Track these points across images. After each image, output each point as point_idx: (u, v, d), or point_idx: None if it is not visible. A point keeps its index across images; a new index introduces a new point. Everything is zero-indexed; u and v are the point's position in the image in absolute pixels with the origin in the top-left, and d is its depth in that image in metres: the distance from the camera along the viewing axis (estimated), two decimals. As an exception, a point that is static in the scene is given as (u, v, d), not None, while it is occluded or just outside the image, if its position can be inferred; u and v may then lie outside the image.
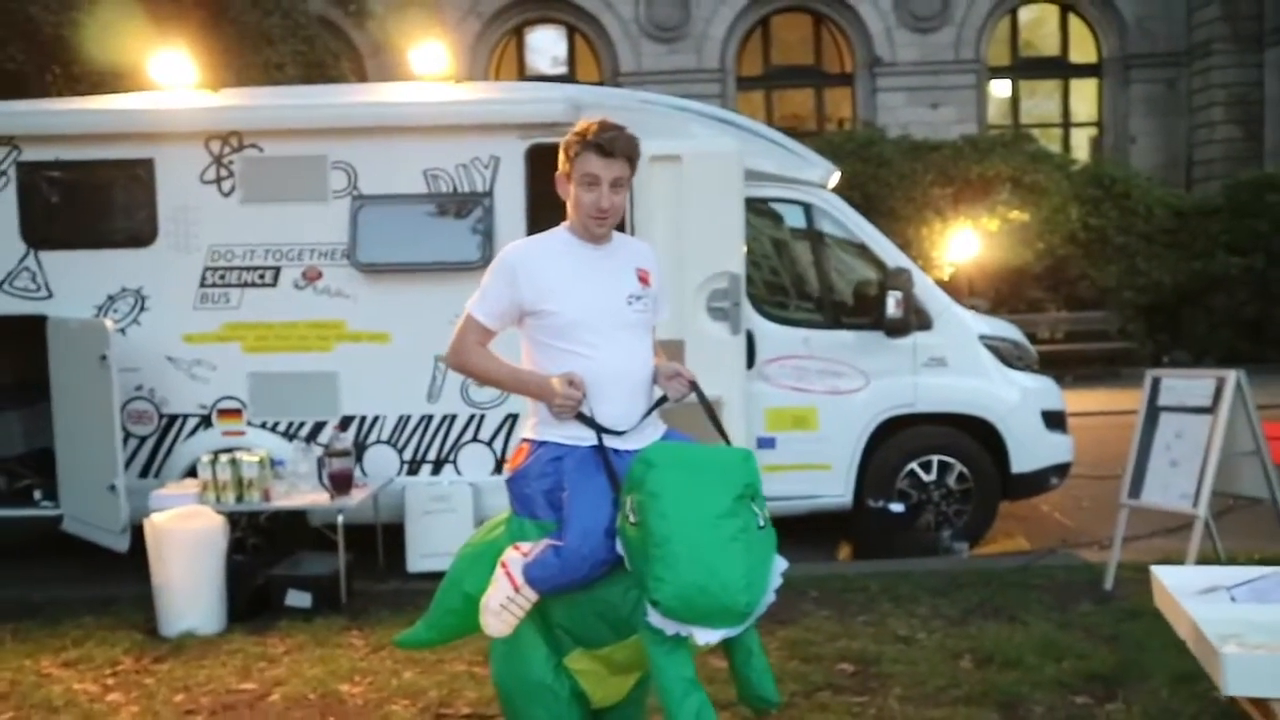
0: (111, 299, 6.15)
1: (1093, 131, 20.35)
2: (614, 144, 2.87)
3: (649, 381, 3.00)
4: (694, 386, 2.94)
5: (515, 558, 2.80)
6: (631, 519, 2.59)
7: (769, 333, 6.28)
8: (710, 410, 2.96)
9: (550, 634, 2.88)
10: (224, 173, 6.10)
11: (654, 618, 2.54)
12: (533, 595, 2.78)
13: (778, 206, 6.57)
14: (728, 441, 2.92)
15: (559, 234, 3.01)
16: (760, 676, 2.81)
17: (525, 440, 2.98)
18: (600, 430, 2.85)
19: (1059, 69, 20.34)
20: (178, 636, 4.98)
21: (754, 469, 2.67)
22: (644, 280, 3.04)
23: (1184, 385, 5.41)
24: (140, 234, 6.18)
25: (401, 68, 7.22)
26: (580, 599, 2.79)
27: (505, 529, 3.00)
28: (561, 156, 2.96)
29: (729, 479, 2.60)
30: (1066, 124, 20.42)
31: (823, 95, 20.35)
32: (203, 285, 6.13)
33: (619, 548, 2.67)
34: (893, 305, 6.13)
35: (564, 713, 2.88)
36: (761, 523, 2.60)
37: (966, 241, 14.68)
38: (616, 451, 2.86)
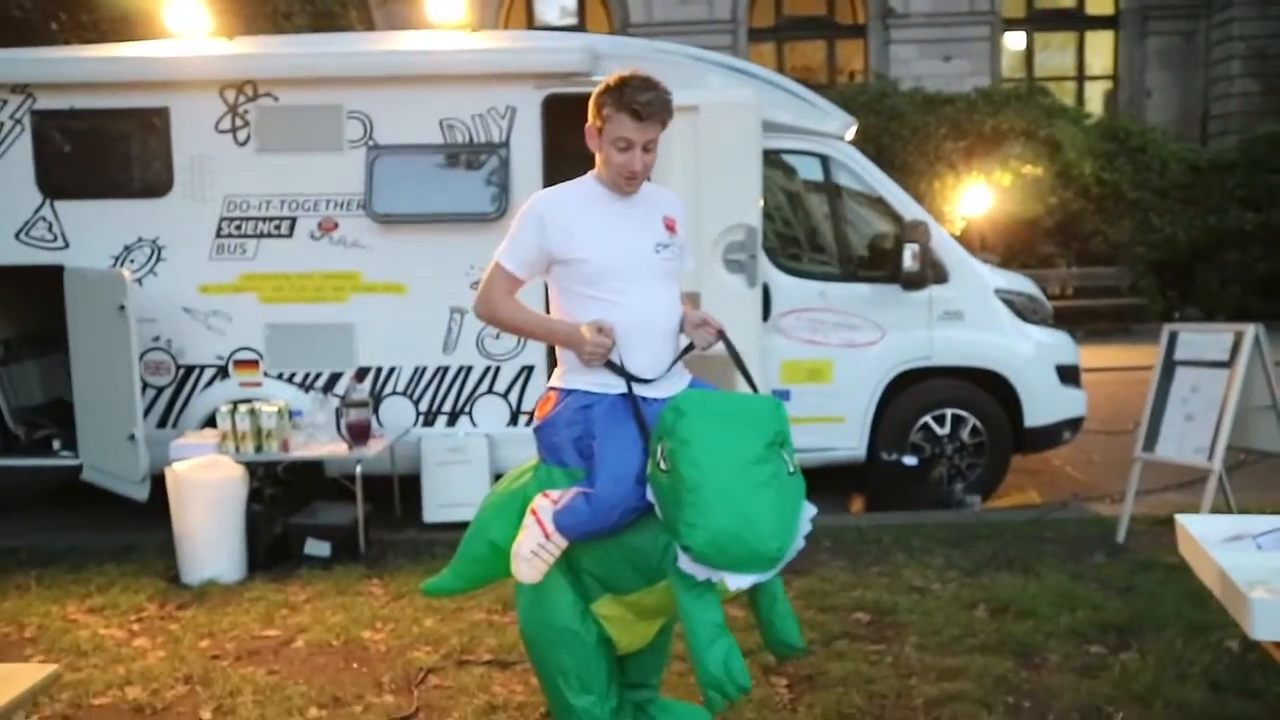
0: (128, 249, 6.16)
1: (1108, 85, 20.13)
2: (649, 108, 2.83)
3: (676, 330, 3.01)
4: (722, 335, 2.96)
5: (545, 505, 2.83)
6: (663, 466, 2.59)
7: (785, 285, 6.27)
8: (738, 359, 2.97)
9: (578, 580, 2.91)
10: (239, 122, 6.08)
11: (685, 563, 2.55)
12: (562, 542, 2.80)
13: (795, 158, 6.53)
14: (755, 390, 2.93)
15: (587, 183, 3.00)
16: (785, 622, 2.84)
17: (553, 389, 2.99)
18: (629, 378, 2.86)
19: (1075, 20, 20.08)
20: (200, 584, 5.04)
21: (783, 416, 2.68)
22: (670, 229, 3.04)
23: (1201, 339, 5.41)
24: (156, 184, 6.17)
25: (411, 17, 7.18)
26: (609, 545, 2.82)
27: (532, 477, 3.03)
28: (593, 109, 2.92)
29: (760, 426, 2.61)
30: (1081, 77, 20.19)
31: (835, 47, 20.14)
32: (219, 236, 6.13)
33: (649, 495, 2.69)
34: (909, 258, 6.11)
35: (590, 658, 2.91)
36: (791, 469, 2.62)
37: (979, 195, 14.60)
38: (645, 399, 2.88)
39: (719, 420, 2.60)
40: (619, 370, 2.86)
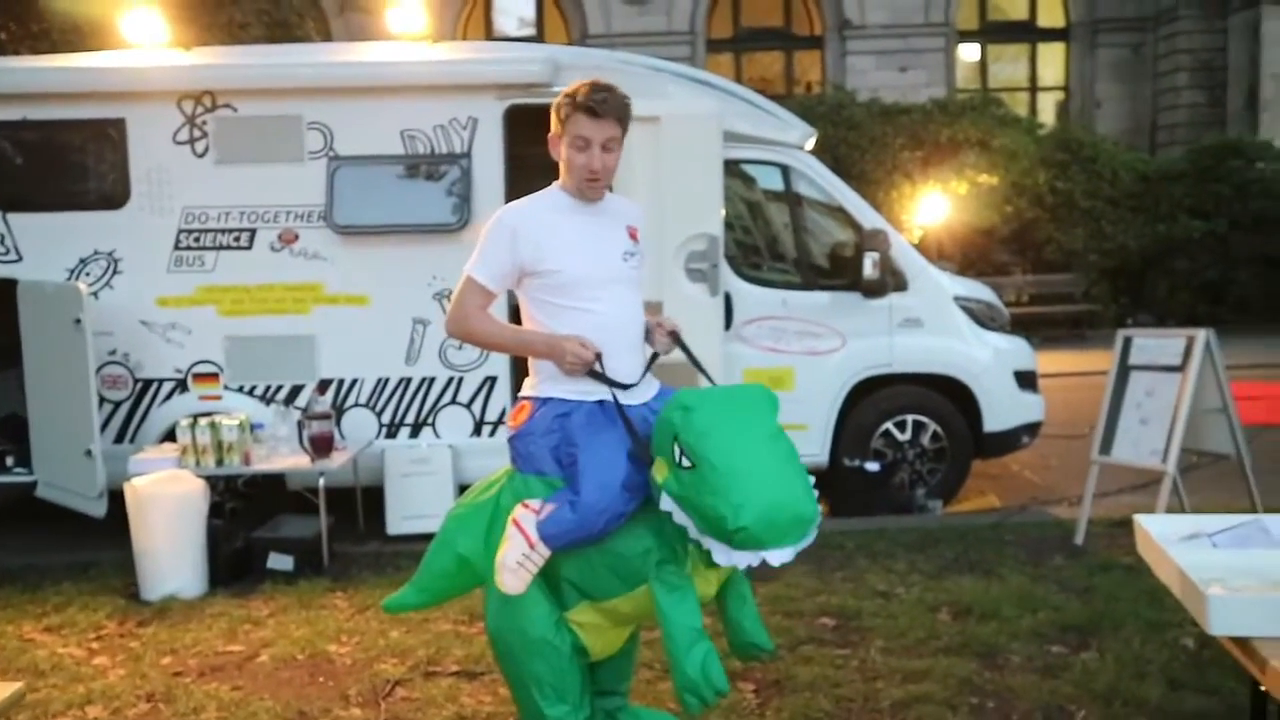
0: (83, 262, 6.08)
1: (1059, 96, 20.51)
2: (604, 105, 2.87)
3: (643, 336, 3.04)
4: (675, 337, 3.02)
5: (527, 515, 2.81)
6: (685, 463, 2.57)
7: (747, 294, 6.32)
8: (691, 355, 3.02)
9: (555, 589, 2.90)
10: (197, 133, 6.02)
11: (724, 556, 2.55)
12: (546, 551, 2.80)
13: (755, 168, 6.59)
14: (707, 377, 2.98)
15: (553, 194, 3.01)
16: (753, 624, 2.90)
17: (526, 398, 2.99)
18: (614, 385, 2.87)
19: (1027, 33, 20.44)
20: (160, 600, 4.98)
21: (775, 397, 2.74)
22: (634, 237, 3.09)
23: (1155, 344, 5.52)
24: (112, 195, 6.09)
25: (369, 28, 7.16)
26: (590, 552, 2.82)
27: (506, 487, 3.02)
28: (554, 118, 2.96)
29: (763, 405, 2.68)
30: (1034, 88, 20.56)
31: (792, 58, 20.33)
32: (177, 248, 6.06)
33: (665, 502, 2.65)
34: (869, 266, 6.18)
35: (565, 668, 2.91)
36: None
37: (935, 204, 14.80)
38: (630, 405, 2.90)
39: (727, 408, 2.64)
40: (603, 379, 2.87)
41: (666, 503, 2.64)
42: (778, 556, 2.54)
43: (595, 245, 2.95)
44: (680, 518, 2.62)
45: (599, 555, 2.82)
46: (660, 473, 2.66)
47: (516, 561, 2.79)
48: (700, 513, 2.56)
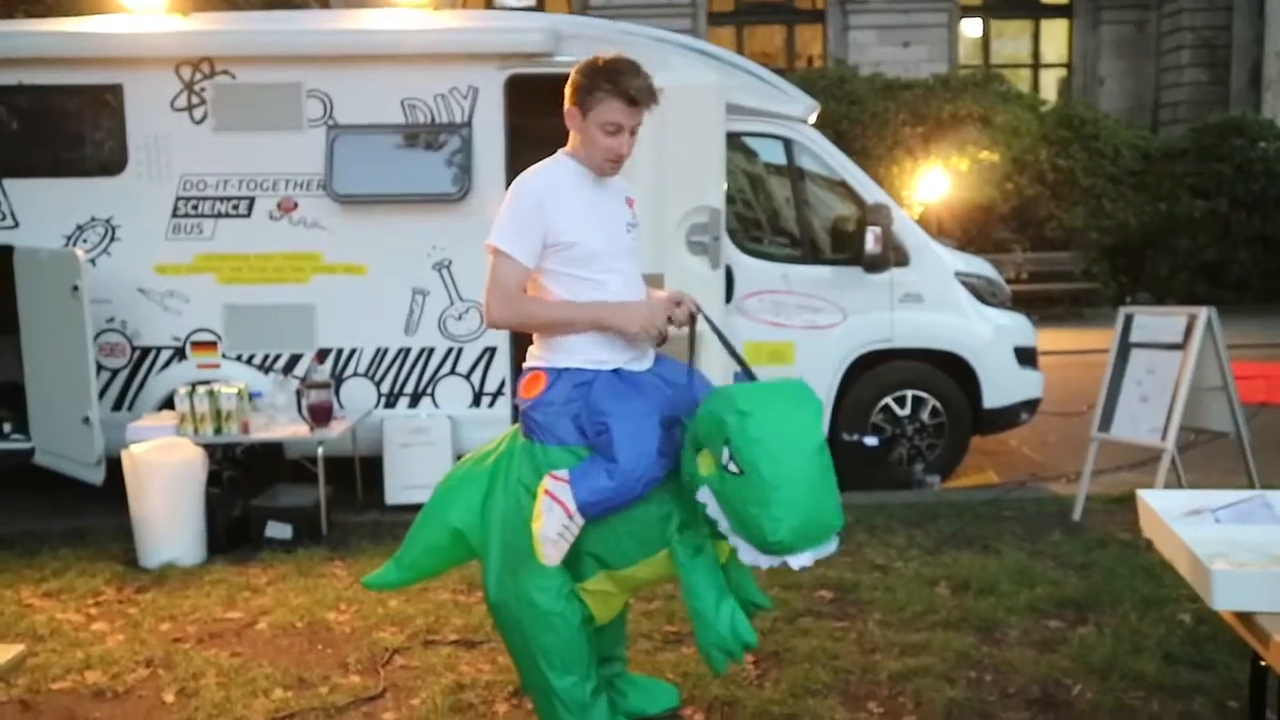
0: (80, 229, 6.04)
1: (1062, 73, 20.37)
2: (643, 94, 2.84)
3: None
4: (694, 318, 3.00)
5: (560, 485, 2.79)
6: (733, 468, 2.55)
7: (748, 267, 6.29)
8: (723, 337, 3.04)
9: (570, 560, 2.90)
10: (195, 100, 5.97)
11: (750, 556, 2.59)
12: (582, 521, 2.80)
13: (758, 141, 6.55)
14: (746, 367, 2.94)
15: (565, 164, 2.96)
16: (751, 584, 3.06)
17: (538, 369, 2.95)
18: (741, 362, 2.89)
19: (1030, 9, 20.28)
20: (159, 567, 4.98)
21: (820, 401, 2.73)
22: (632, 208, 3.09)
23: (1156, 322, 5.51)
24: (109, 162, 6.05)
25: (369, -5, 7.14)
26: (613, 521, 2.84)
27: (518, 459, 2.97)
28: (577, 91, 2.88)
29: (812, 412, 2.67)
30: (1036, 64, 20.42)
31: (794, 32, 20.17)
32: (175, 215, 6.03)
33: (702, 494, 2.65)
34: (871, 241, 6.15)
35: (574, 639, 2.93)
36: None
37: (936, 181, 14.74)
38: (633, 372, 2.90)
39: (780, 415, 2.61)
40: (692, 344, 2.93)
41: (704, 495, 2.64)
42: (799, 561, 2.58)
43: (607, 218, 2.95)
44: (715, 512, 2.63)
45: (621, 523, 2.84)
46: (705, 466, 2.64)
47: (557, 533, 2.79)
48: (740, 518, 2.57)
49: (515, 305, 2.90)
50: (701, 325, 2.99)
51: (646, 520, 2.83)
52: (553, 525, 2.78)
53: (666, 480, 2.83)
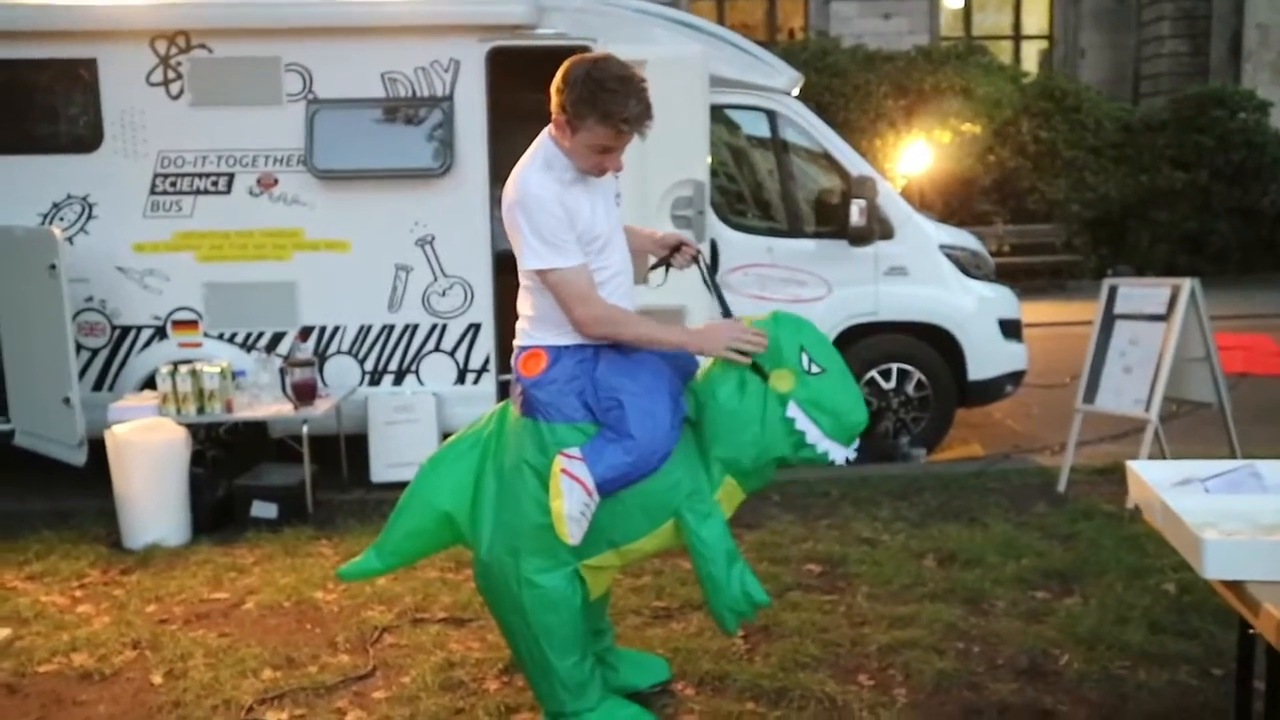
0: (56, 206, 5.95)
1: (1043, 44, 20.37)
2: (633, 123, 2.68)
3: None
4: (698, 257, 3.19)
5: (576, 464, 2.77)
6: (815, 369, 2.86)
7: (733, 241, 6.27)
8: (713, 281, 3.19)
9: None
10: (172, 74, 5.88)
11: (840, 453, 2.89)
12: (599, 497, 2.80)
13: (741, 114, 6.51)
14: (724, 306, 3.12)
15: (555, 159, 2.82)
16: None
17: (539, 347, 2.90)
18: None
19: (1012, -21, 20.24)
20: (143, 548, 4.94)
21: None
22: (616, 174, 3.02)
23: (1140, 293, 5.53)
24: (85, 138, 5.95)
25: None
26: (623, 495, 2.84)
27: (523, 439, 2.91)
28: (565, 105, 2.70)
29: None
30: (1018, 36, 20.41)
31: (775, 4, 20.07)
32: (153, 192, 5.94)
33: (791, 409, 2.84)
34: (856, 214, 6.14)
35: (576, 619, 2.94)
36: None
37: (919, 153, 14.73)
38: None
39: (815, 326, 3.01)
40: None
41: (793, 410, 2.84)
42: (852, 452, 2.94)
43: (602, 199, 2.92)
44: (804, 423, 2.85)
45: (631, 496, 2.85)
46: (784, 383, 2.85)
47: (580, 512, 2.77)
48: (832, 411, 2.86)
49: (605, 313, 2.81)
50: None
51: (656, 492, 2.85)
52: (575, 504, 2.76)
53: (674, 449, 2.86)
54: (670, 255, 3.19)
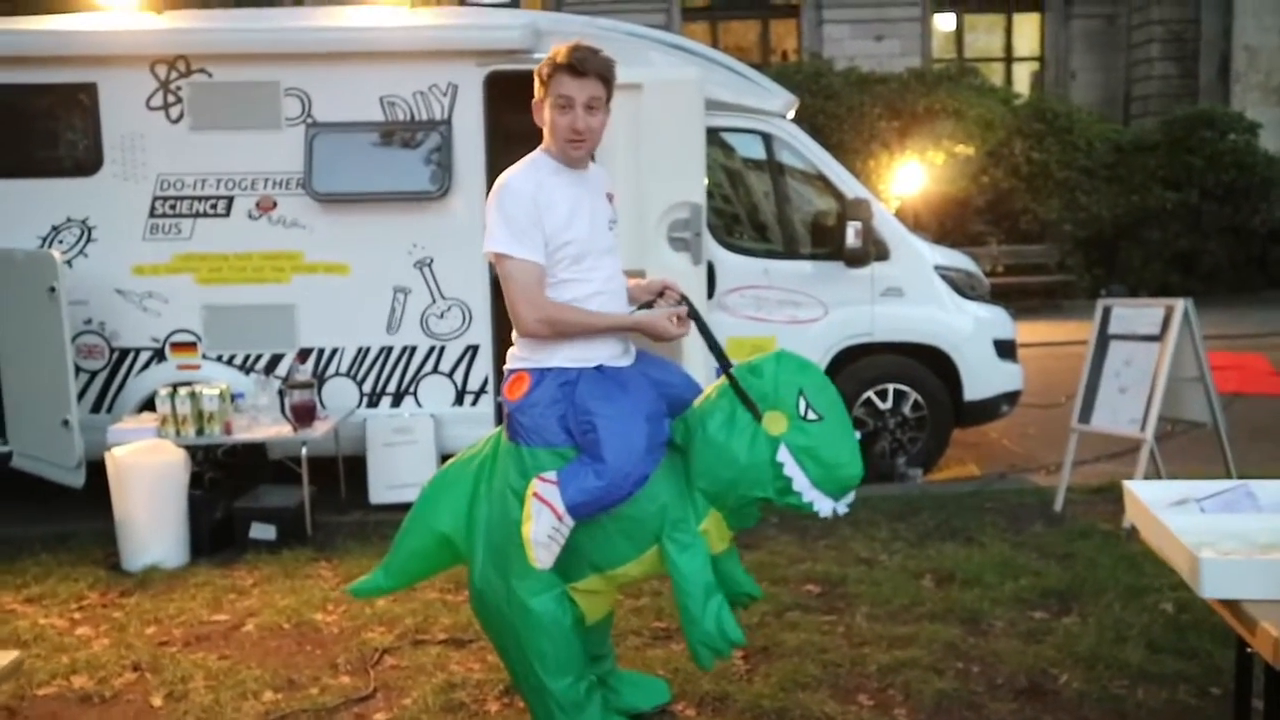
0: (56, 229, 5.98)
1: (1034, 66, 20.50)
2: (586, 63, 2.82)
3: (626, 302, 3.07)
4: (685, 301, 3.06)
5: (548, 488, 2.78)
6: (811, 416, 2.78)
7: (729, 263, 6.31)
8: (703, 324, 3.08)
9: (561, 563, 2.89)
10: (171, 99, 5.92)
11: (825, 505, 2.81)
12: (572, 522, 2.79)
13: (737, 136, 6.57)
14: (720, 356, 3.01)
15: (544, 162, 2.93)
16: (744, 575, 3.12)
17: (522, 370, 2.93)
18: (719, 354, 2.99)
19: (1002, 2, 20.39)
20: (142, 570, 4.94)
21: None
22: (612, 203, 3.09)
23: (1134, 314, 5.57)
24: (84, 162, 5.99)
25: (346, -8, 7.10)
26: (604, 520, 2.84)
27: (506, 463, 2.95)
28: (537, 83, 2.92)
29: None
30: (1009, 58, 20.54)
31: (769, 26, 20.20)
32: (152, 215, 5.98)
33: (781, 453, 2.78)
34: (852, 235, 6.19)
35: (568, 640, 2.93)
36: None
37: (912, 174, 14.81)
38: (617, 369, 2.91)
39: (819, 370, 2.93)
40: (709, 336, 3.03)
41: (783, 454, 2.77)
42: (843, 506, 2.86)
43: (590, 214, 2.94)
44: (792, 469, 2.77)
45: (612, 521, 2.84)
46: (777, 426, 2.79)
47: (548, 535, 2.77)
48: (823, 462, 2.76)
49: (544, 309, 2.84)
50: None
51: (637, 517, 2.84)
52: (542, 528, 2.77)
53: (656, 476, 2.84)
54: (654, 301, 3.09)
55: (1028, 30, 20.46)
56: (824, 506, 2.81)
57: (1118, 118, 18.82)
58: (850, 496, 2.87)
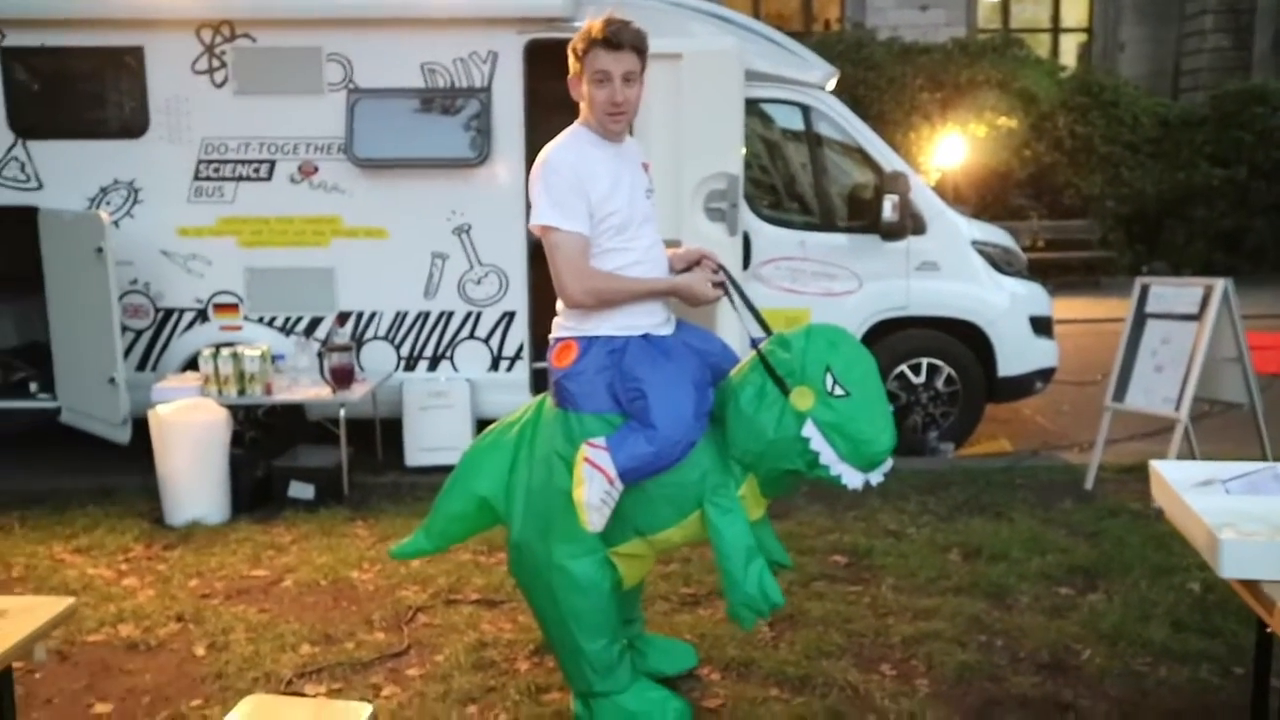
0: (104, 190, 6.10)
1: (1082, 38, 20.14)
2: (620, 35, 2.86)
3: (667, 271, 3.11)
4: (722, 270, 3.12)
5: (599, 453, 2.85)
6: (838, 391, 2.81)
7: (765, 234, 6.32)
8: (741, 292, 3.12)
9: (605, 526, 2.95)
10: (216, 63, 6.00)
11: (854, 478, 2.85)
12: (621, 486, 2.86)
13: (776, 108, 6.55)
14: (764, 324, 3.08)
15: (583, 134, 2.98)
16: (775, 544, 3.17)
17: (570, 338, 2.98)
18: (757, 315, 3.07)
19: (1051, -28, 20.04)
20: (185, 525, 5.09)
21: None
22: (647, 172, 3.13)
23: (1172, 293, 5.53)
24: (131, 124, 6.10)
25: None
26: (648, 485, 2.91)
27: (553, 429, 3.01)
28: (571, 59, 2.95)
29: (861, 344, 3.00)
30: (1056, 29, 20.18)
31: (811, -6, 19.97)
32: (196, 178, 6.08)
33: (808, 428, 2.82)
34: (889, 209, 6.17)
35: (605, 603, 3.01)
36: None
37: (953, 147, 14.66)
38: (661, 337, 2.97)
39: (853, 343, 2.93)
40: (744, 297, 3.08)
41: (809, 429, 2.82)
42: (876, 477, 2.88)
43: (629, 185, 2.98)
44: (819, 444, 2.82)
45: (656, 487, 2.91)
46: (804, 401, 2.83)
47: (600, 499, 2.85)
48: (850, 437, 2.80)
49: (589, 280, 2.90)
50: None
51: (681, 483, 2.91)
52: (595, 492, 2.84)
53: (699, 442, 2.91)
54: (690, 270, 3.11)
55: (1076, 0, 20.08)
56: (853, 480, 2.85)
57: (1166, 91, 18.47)
58: (886, 466, 2.90)
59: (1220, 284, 5.30)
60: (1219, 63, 18.43)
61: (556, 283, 2.93)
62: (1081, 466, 5.81)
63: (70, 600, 2.24)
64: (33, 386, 6.34)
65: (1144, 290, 5.63)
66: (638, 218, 2.99)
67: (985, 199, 15.07)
